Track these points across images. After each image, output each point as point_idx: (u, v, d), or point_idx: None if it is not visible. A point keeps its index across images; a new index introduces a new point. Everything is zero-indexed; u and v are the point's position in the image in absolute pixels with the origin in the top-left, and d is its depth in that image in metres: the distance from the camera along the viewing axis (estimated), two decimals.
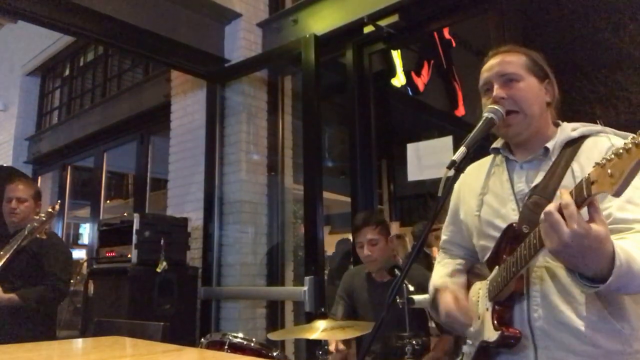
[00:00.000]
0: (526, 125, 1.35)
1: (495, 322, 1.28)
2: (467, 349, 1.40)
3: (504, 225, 1.32)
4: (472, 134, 1.34)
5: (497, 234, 1.33)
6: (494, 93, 1.35)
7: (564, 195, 1.03)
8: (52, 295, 2.68)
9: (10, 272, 2.59)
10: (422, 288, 2.18)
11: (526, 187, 1.33)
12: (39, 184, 7.25)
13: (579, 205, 1.01)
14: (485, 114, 1.38)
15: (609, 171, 0.94)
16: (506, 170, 1.40)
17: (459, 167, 1.31)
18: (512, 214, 1.32)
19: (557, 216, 1.02)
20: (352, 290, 2.69)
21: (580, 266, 1.06)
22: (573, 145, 1.31)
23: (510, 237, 1.29)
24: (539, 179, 1.31)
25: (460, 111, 6.77)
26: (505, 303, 1.29)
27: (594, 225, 1.01)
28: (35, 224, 2.48)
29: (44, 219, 2.50)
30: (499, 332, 1.25)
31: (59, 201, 2.92)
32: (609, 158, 0.95)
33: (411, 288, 1.98)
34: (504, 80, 1.36)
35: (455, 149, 1.33)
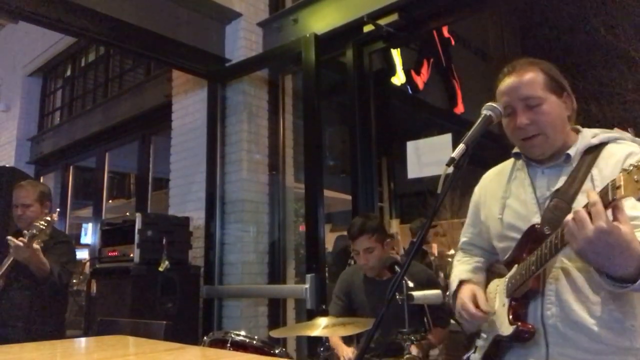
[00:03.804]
0: (549, 145, 1.36)
1: (511, 317, 1.31)
2: (481, 342, 1.43)
3: (525, 228, 1.35)
4: (470, 132, 1.36)
5: (519, 236, 1.36)
6: (518, 121, 1.36)
7: (591, 195, 1.06)
8: (65, 280, 2.71)
9: (18, 270, 2.61)
10: (421, 285, 2.19)
11: (548, 191, 1.36)
12: None
13: (606, 206, 1.04)
14: (484, 112, 1.40)
15: (635, 177, 0.97)
16: (528, 175, 1.43)
17: (457, 165, 1.33)
18: (534, 217, 1.35)
19: (584, 214, 1.05)
20: (350, 290, 2.68)
21: (607, 265, 1.09)
22: (593, 152, 1.34)
23: (532, 238, 1.32)
24: (560, 183, 1.33)
25: (459, 109, 6.79)
26: (521, 300, 1.32)
27: (620, 225, 1.04)
28: (34, 231, 2.48)
29: (42, 227, 2.51)
30: (514, 326, 1.29)
31: (57, 210, 2.90)
32: (636, 165, 0.97)
33: (411, 284, 1.99)
34: (525, 104, 1.36)
35: (455, 146, 1.34)
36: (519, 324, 1.29)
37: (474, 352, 1.45)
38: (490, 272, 1.51)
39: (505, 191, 1.46)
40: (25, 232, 2.52)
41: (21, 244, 2.45)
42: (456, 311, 1.45)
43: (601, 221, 1.03)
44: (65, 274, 2.70)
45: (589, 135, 1.37)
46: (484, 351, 1.40)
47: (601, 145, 1.34)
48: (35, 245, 2.49)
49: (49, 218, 2.56)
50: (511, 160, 1.52)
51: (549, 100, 1.35)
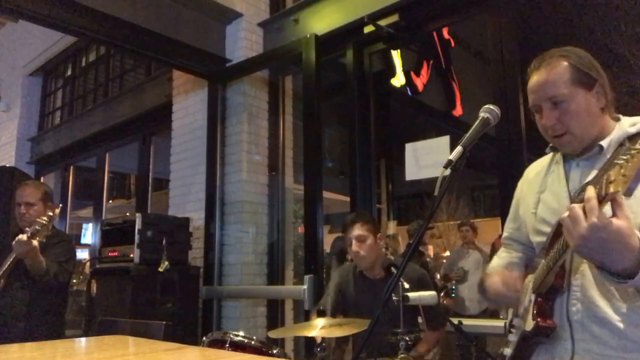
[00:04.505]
0: (578, 142, 1.33)
1: (535, 312, 1.31)
2: (513, 337, 1.43)
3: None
4: (468, 134, 1.37)
5: None
6: (544, 121, 1.35)
7: (587, 190, 1.04)
8: (62, 279, 2.71)
9: (19, 270, 2.63)
10: (412, 283, 2.21)
11: (580, 185, 1.32)
12: None
13: (600, 202, 1.02)
14: (482, 114, 1.41)
15: (622, 171, 0.96)
16: (563, 168, 1.40)
17: (455, 167, 1.34)
18: (565, 212, 1.33)
19: (578, 211, 1.04)
20: (344, 286, 2.71)
21: (605, 261, 1.07)
22: (631, 141, 1.26)
23: (558, 233, 1.29)
24: (591, 176, 1.29)
25: (458, 111, 6.80)
26: (547, 296, 1.31)
27: (615, 220, 1.02)
28: (37, 227, 2.50)
29: (44, 222, 2.52)
30: (534, 322, 1.29)
31: (60, 205, 2.93)
32: (625, 159, 0.97)
33: (406, 285, 2.01)
34: (551, 103, 1.33)
35: (453, 148, 1.36)
36: (539, 319, 1.28)
37: (508, 347, 1.44)
38: (530, 267, 1.48)
39: (541, 185, 1.44)
40: (28, 228, 2.53)
41: (24, 238, 2.47)
42: (492, 299, 1.50)
43: (593, 217, 1.01)
44: (62, 273, 2.70)
45: (627, 124, 1.32)
46: (514, 346, 1.40)
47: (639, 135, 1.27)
48: (34, 242, 2.50)
49: (51, 213, 2.58)
50: (551, 154, 1.49)
51: (576, 96, 1.31)
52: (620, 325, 1.19)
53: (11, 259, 2.58)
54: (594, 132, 1.33)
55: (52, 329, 2.75)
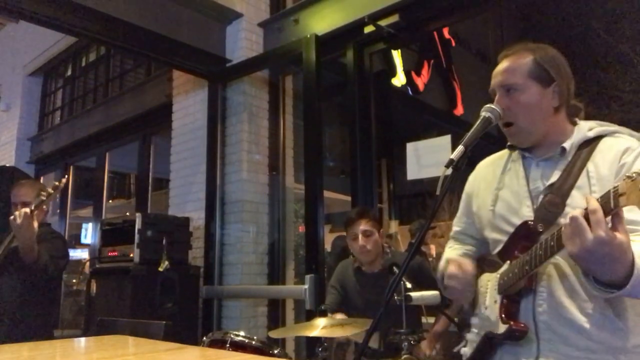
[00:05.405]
0: (525, 136, 1.37)
1: (503, 315, 1.31)
2: (472, 336, 1.43)
3: (518, 221, 1.34)
4: (469, 133, 1.36)
5: (511, 229, 1.36)
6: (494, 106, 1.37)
7: (591, 202, 1.04)
8: (51, 272, 2.67)
9: (9, 262, 2.60)
10: (413, 274, 2.23)
11: (542, 184, 1.34)
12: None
13: (607, 214, 1.02)
14: (483, 113, 1.41)
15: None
16: (522, 167, 1.41)
17: (457, 166, 1.33)
18: (526, 211, 1.34)
19: (583, 222, 1.04)
20: (345, 281, 2.75)
21: (597, 272, 1.09)
22: (589, 145, 1.32)
23: (524, 235, 1.31)
24: (554, 177, 1.32)
25: (459, 110, 6.81)
26: (513, 297, 1.32)
27: (618, 234, 1.02)
28: (43, 197, 2.47)
29: (50, 192, 2.47)
30: (507, 325, 1.29)
31: (66, 175, 2.89)
32: None
33: (409, 285, 2.01)
34: (504, 90, 1.37)
35: (454, 148, 1.35)
36: (512, 323, 1.28)
37: (465, 346, 1.45)
38: (483, 262, 1.48)
39: (498, 182, 1.45)
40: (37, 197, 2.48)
41: (27, 211, 2.41)
42: (445, 284, 1.45)
43: (601, 230, 1.02)
44: (52, 265, 2.65)
45: (585, 128, 1.35)
46: (476, 346, 1.40)
47: (597, 139, 1.32)
48: (35, 225, 2.45)
49: (57, 183, 2.50)
50: (506, 151, 1.51)
51: (528, 89, 1.35)
52: (586, 326, 1.21)
53: (3, 247, 2.55)
54: (546, 128, 1.36)
55: (40, 328, 2.70)
